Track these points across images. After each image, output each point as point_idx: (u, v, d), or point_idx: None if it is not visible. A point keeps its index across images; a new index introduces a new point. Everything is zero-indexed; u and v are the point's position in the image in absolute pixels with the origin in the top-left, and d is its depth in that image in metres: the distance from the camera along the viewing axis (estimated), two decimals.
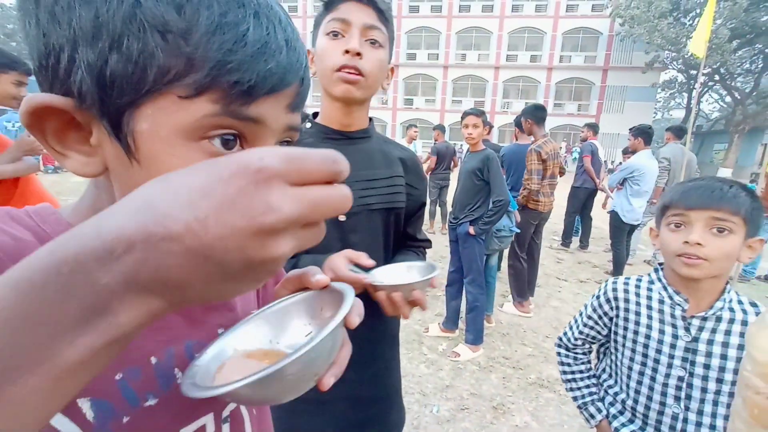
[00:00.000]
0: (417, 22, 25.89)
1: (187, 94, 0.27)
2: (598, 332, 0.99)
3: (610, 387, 0.98)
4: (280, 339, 0.38)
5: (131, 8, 0.25)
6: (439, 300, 3.37)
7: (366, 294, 0.72)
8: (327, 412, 0.89)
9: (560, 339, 1.07)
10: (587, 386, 1.01)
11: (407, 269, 0.79)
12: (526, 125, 3.18)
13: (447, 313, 2.86)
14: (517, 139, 3.58)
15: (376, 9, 0.78)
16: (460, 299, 2.81)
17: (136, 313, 0.19)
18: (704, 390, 0.82)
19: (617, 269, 3.97)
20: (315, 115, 0.91)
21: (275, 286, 0.55)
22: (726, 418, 0.82)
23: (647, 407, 0.89)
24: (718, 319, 0.83)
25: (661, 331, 0.87)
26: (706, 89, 23.12)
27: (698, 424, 0.83)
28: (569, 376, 1.03)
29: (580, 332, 1.01)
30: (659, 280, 0.91)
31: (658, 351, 0.87)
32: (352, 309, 0.34)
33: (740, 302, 0.84)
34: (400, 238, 0.97)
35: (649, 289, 0.92)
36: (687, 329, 0.85)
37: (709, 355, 0.82)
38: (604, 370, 1.02)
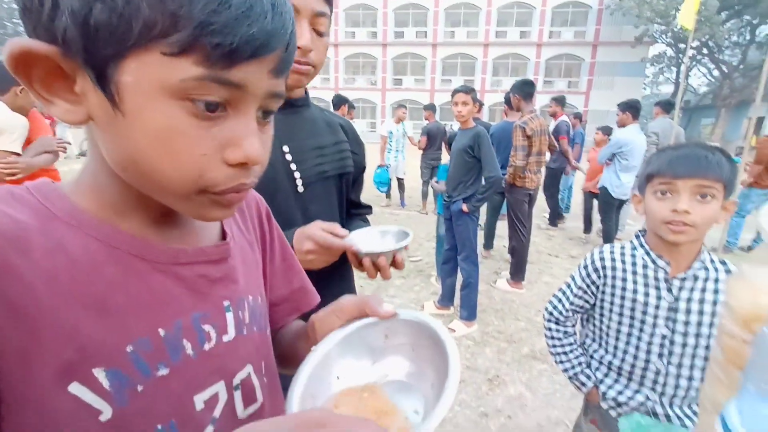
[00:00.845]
0: None
1: (171, 52, 0.27)
2: (586, 301, 1.02)
3: (595, 351, 1.02)
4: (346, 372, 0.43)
5: None
6: (434, 278, 3.41)
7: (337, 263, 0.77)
8: None
9: (551, 314, 1.08)
10: (576, 357, 1.04)
11: (381, 235, 0.84)
12: (515, 101, 3.17)
13: (442, 291, 2.90)
14: (506, 117, 3.56)
15: None
16: (455, 277, 2.85)
17: None
18: (684, 345, 0.88)
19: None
20: None
21: (283, 262, 0.55)
22: (702, 369, 0.88)
23: (633, 365, 0.93)
24: (695, 279, 0.88)
25: (646, 294, 0.91)
26: (694, 63, 23.14)
27: (677, 377, 0.89)
28: (559, 350, 1.06)
29: (572, 303, 1.03)
30: (641, 246, 0.95)
31: (644, 312, 0.91)
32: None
33: (712, 261, 0.89)
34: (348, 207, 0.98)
35: (633, 255, 0.95)
36: (669, 290, 0.89)
37: (688, 312, 0.88)
38: (587, 336, 1.05)
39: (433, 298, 3.00)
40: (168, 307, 0.34)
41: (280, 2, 0.30)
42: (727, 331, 0.40)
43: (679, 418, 0.90)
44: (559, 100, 5.05)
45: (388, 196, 6.17)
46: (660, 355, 0.90)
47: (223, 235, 0.43)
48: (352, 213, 0.99)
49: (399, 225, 0.89)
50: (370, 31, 26.02)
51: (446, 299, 2.88)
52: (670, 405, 0.91)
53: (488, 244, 4.14)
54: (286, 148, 0.81)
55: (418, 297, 3.12)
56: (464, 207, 2.55)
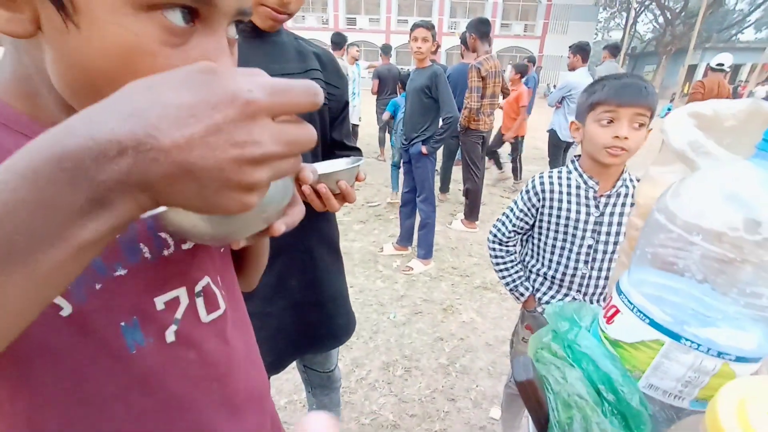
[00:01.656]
0: None
1: None
2: (527, 222, 1.13)
3: (533, 266, 1.15)
4: None
5: None
6: (392, 222, 3.51)
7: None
8: (273, 323, 0.92)
9: (494, 236, 1.18)
10: (516, 272, 1.16)
11: (331, 164, 0.78)
12: (470, 40, 3.11)
13: (401, 231, 3.00)
14: (463, 59, 3.51)
15: None
16: (414, 218, 2.95)
17: (130, 206, 0.22)
18: (605, 252, 1.03)
19: None
20: None
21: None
22: None
23: (564, 273, 1.08)
24: (618, 195, 1.01)
25: (578, 211, 1.04)
26: (642, 8, 23.61)
27: (597, 278, 1.06)
28: (502, 266, 1.17)
29: (514, 225, 1.13)
30: (575, 169, 1.06)
31: (575, 227, 1.04)
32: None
33: (631, 179, 1.03)
34: (327, 147, 0.94)
35: (569, 178, 1.06)
36: (597, 206, 1.02)
37: (610, 224, 1.02)
38: (527, 254, 1.17)
39: (392, 240, 3.11)
40: None
41: None
42: (633, 224, 0.47)
43: None
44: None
45: None
46: (585, 262, 1.05)
47: None
48: (339, 155, 0.92)
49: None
50: None
51: (405, 240, 3.00)
52: (590, 302, 1.09)
53: (444, 188, 4.27)
54: None
55: (378, 240, 3.22)
56: (423, 149, 2.58)
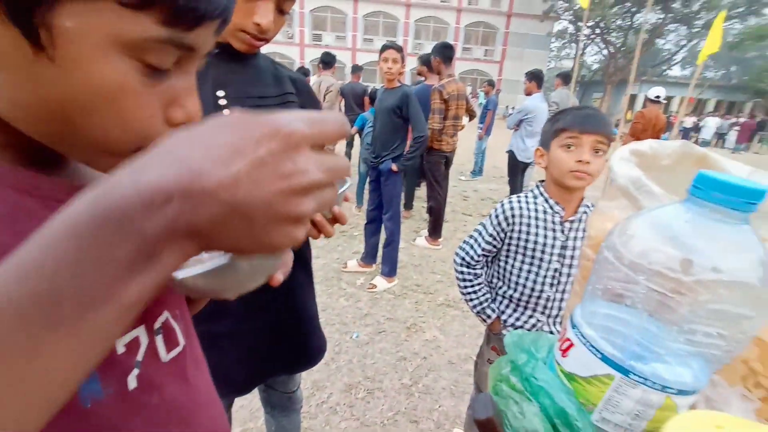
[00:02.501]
0: None
1: (131, 3, 0.24)
2: (495, 246, 1.15)
3: (499, 288, 1.17)
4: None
5: None
6: (356, 239, 3.49)
7: None
8: (245, 342, 0.89)
9: (462, 258, 1.20)
10: (483, 294, 1.18)
11: None
12: (435, 63, 3.22)
13: (366, 249, 2.99)
14: (425, 79, 3.62)
15: None
16: (378, 235, 2.95)
17: (176, 255, 0.21)
18: (568, 275, 1.07)
19: None
20: None
21: None
22: None
23: (530, 296, 1.11)
24: (580, 221, 1.07)
25: (545, 236, 1.08)
26: (589, 41, 25.70)
27: (561, 300, 1.10)
28: (470, 289, 1.19)
29: (483, 249, 1.15)
30: (541, 194, 1.10)
31: (542, 251, 1.08)
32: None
33: (591, 206, 1.09)
34: None
35: (535, 203, 1.10)
36: (562, 231, 1.07)
37: (574, 248, 1.06)
38: (493, 276, 1.20)
39: (356, 257, 3.08)
40: None
41: None
42: (585, 254, 0.49)
43: (559, 332, 1.10)
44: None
45: None
46: (551, 285, 1.09)
47: None
48: None
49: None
50: None
51: (370, 257, 2.98)
52: (555, 323, 1.12)
53: (408, 205, 4.33)
54: (220, 93, 0.76)
55: (341, 257, 3.18)
56: (394, 166, 2.61)
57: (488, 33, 26.24)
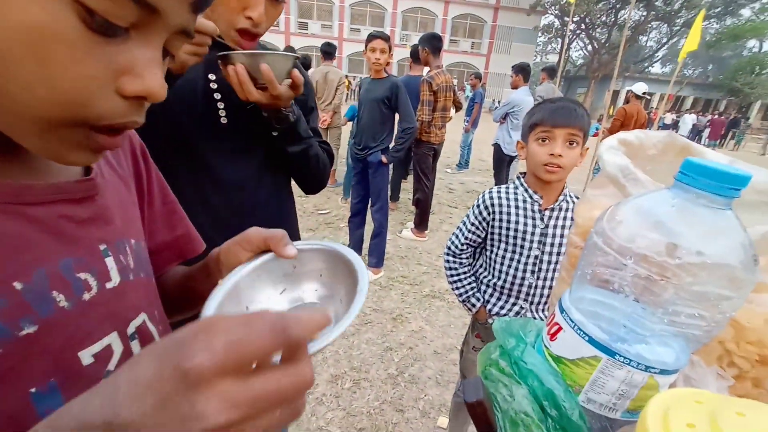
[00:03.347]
0: None
1: None
2: (478, 236, 1.17)
3: (485, 278, 1.19)
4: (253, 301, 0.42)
5: None
6: (342, 231, 3.48)
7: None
8: None
9: (449, 248, 1.23)
10: (469, 283, 1.20)
11: None
12: (423, 54, 3.20)
13: (351, 241, 2.98)
14: (411, 71, 3.60)
15: None
16: (364, 228, 2.94)
17: None
18: (549, 262, 1.10)
19: None
20: None
21: (164, 206, 0.50)
22: None
23: (512, 283, 1.13)
24: (560, 209, 1.09)
25: (525, 224, 1.10)
26: (574, 37, 26.00)
27: (543, 288, 1.12)
28: (455, 278, 1.21)
29: (466, 238, 1.17)
30: (521, 185, 1.13)
31: (523, 239, 1.10)
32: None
33: (571, 196, 1.11)
34: None
35: (515, 193, 1.13)
36: (542, 219, 1.10)
37: (554, 236, 1.09)
38: (481, 266, 1.22)
39: None
40: (21, 256, 0.29)
41: None
42: (572, 242, 0.50)
43: (542, 319, 1.12)
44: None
45: None
46: (533, 272, 1.11)
47: (87, 170, 0.37)
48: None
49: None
50: None
51: (355, 250, 2.98)
52: (536, 310, 1.15)
53: (395, 197, 4.33)
54: (212, 76, 0.75)
55: None
56: (383, 158, 2.60)
57: (475, 25, 26.24)
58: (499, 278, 1.15)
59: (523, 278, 1.12)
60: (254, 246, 0.43)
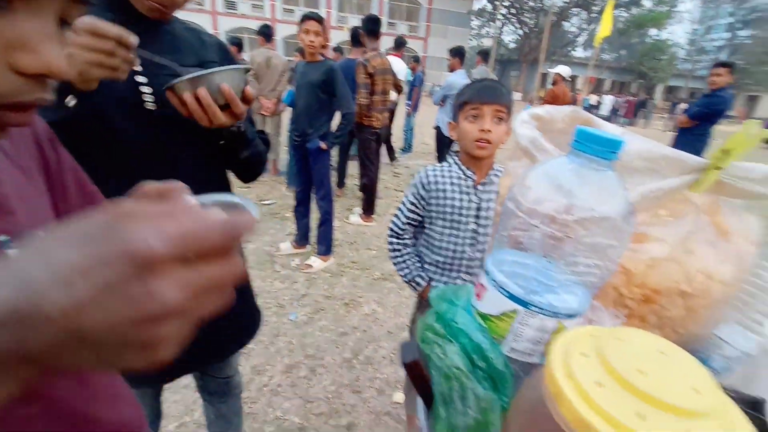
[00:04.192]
0: None
1: None
2: (418, 214, 1.21)
3: (426, 256, 1.24)
4: None
5: None
6: (289, 220, 3.40)
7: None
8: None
9: (391, 230, 1.26)
10: (413, 263, 1.24)
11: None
12: (362, 37, 3.18)
13: (298, 230, 2.93)
14: (351, 54, 3.56)
15: None
16: (309, 216, 2.90)
17: (12, 381, 0.20)
18: (485, 234, 1.16)
19: None
20: None
21: (82, 197, 0.47)
22: None
23: (453, 258, 1.19)
24: (490, 183, 1.16)
25: (461, 200, 1.16)
26: (505, 21, 27.13)
27: (479, 259, 1.18)
28: (399, 259, 1.25)
29: (407, 218, 1.21)
30: (455, 163, 1.18)
31: (460, 214, 1.16)
32: None
33: (499, 170, 1.19)
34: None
35: (450, 171, 1.18)
36: (476, 194, 1.16)
37: (487, 209, 1.16)
38: (422, 245, 1.27)
39: (289, 239, 3.02)
40: None
41: None
42: (497, 211, 0.54)
43: None
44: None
45: None
46: (471, 245, 1.18)
47: None
48: None
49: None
50: None
51: (302, 239, 2.94)
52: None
53: (340, 183, 4.30)
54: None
55: (274, 239, 3.09)
56: (322, 145, 2.54)
57: (412, 8, 26.35)
58: (439, 254, 1.21)
59: (462, 252, 1.18)
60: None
